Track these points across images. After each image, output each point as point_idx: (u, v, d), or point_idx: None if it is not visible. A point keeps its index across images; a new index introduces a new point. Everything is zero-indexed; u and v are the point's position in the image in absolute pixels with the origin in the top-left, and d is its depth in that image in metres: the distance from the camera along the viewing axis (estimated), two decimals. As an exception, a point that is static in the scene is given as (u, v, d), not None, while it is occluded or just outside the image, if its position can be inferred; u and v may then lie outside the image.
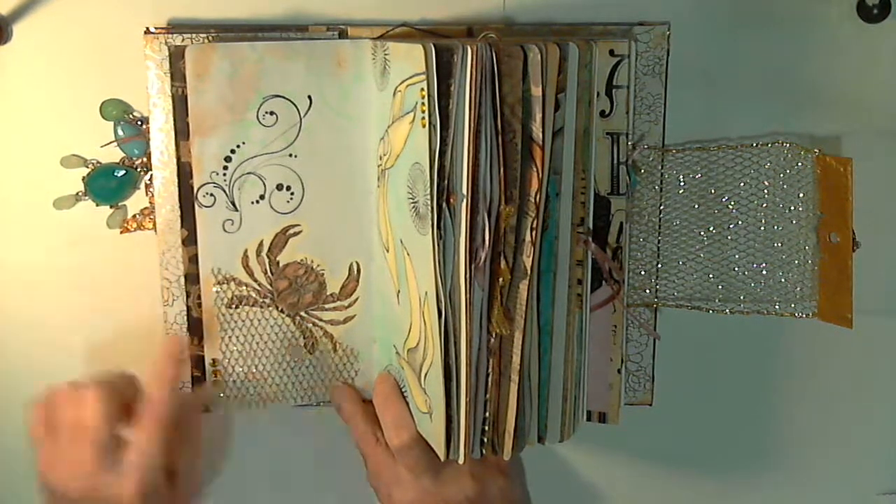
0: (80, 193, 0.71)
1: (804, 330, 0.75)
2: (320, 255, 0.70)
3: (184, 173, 0.68)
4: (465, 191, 0.59)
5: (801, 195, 0.71)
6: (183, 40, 0.68)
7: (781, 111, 0.72)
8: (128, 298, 0.72)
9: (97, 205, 0.71)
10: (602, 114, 0.69)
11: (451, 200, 0.60)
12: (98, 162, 0.71)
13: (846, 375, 0.77)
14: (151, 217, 0.71)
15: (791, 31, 0.71)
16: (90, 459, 0.61)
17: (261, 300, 0.70)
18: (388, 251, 0.68)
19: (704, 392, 0.77)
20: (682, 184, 0.73)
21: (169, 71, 0.67)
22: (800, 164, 0.71)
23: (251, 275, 0.69)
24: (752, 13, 0.71)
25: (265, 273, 0.70)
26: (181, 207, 0.68)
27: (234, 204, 0.68)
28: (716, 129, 0.72)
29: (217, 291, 0.69)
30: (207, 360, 0.70)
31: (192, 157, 0.67)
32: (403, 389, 0.69)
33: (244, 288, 0.70)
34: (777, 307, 0.73)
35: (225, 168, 0.68)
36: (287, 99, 0.67)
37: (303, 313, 0.71)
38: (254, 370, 0.71)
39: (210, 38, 0.68)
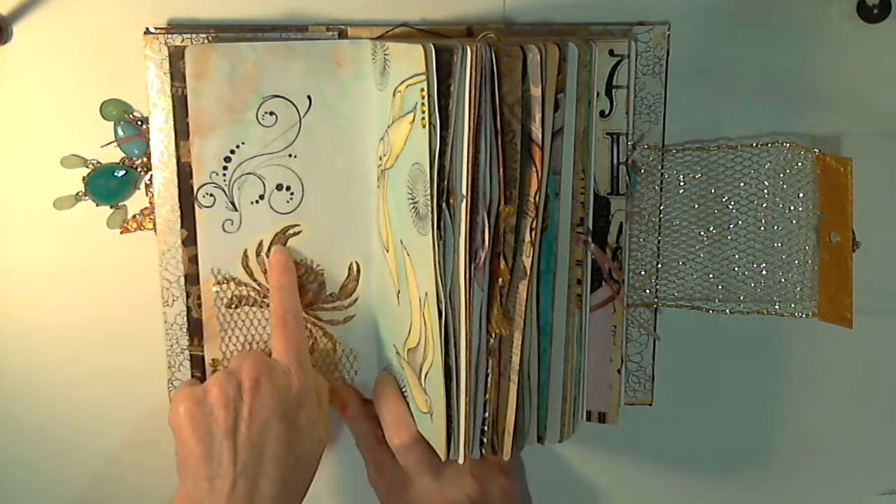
0: (80, 193, 0.71)
1: (804, 330, 0.75)
2: (320, 255, 0.70)
3: (184, 173, 0.68)
4: (464, 191, 0.59)
5: (801, 195, 0.71)
6: (183, 40, 0.68)
7: (781, 111, 0.72)
8: (128, 298, 0.72)
9: (97, 205, 0.71)
10: (602, 114, 0.69)
11: (451, 200, 0.60)
12: (98, 162, 0.71)
13: (846, 375, 0.77)
14: (151, 217, 0.71)
15: (791, 31, 0.71)
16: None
17: (260, 300, 0.70)
18: (387, 251, 0.67)
19: (704, 392, 0.77)
20: (682, 184, 0.73)
21: (169, 71, 0.67)
22: (800, 164, 0.71)
23: (251, 275, 0.69)
24: (752, 13, 0.71)
25: (265, 273, 0.69)
26: (181, 207, 0.68)
27: (233, 204, 0.68)
28: (716, 129, 0.72)
29: (217, 291, 0.69)
30: (207, 360, 0.70)
31: (192, 158, 0.67)
32: (403, 389, 0.69)
33: (244, 288, 0.70)
34: (777, 307, 0.73)
35: (224, 168, 0.68)
36: (286, 99, 0.67)
37: (302, 313, 0.71)
38: (254, 370, 0.71)
39: (209, 38, 0.68)
